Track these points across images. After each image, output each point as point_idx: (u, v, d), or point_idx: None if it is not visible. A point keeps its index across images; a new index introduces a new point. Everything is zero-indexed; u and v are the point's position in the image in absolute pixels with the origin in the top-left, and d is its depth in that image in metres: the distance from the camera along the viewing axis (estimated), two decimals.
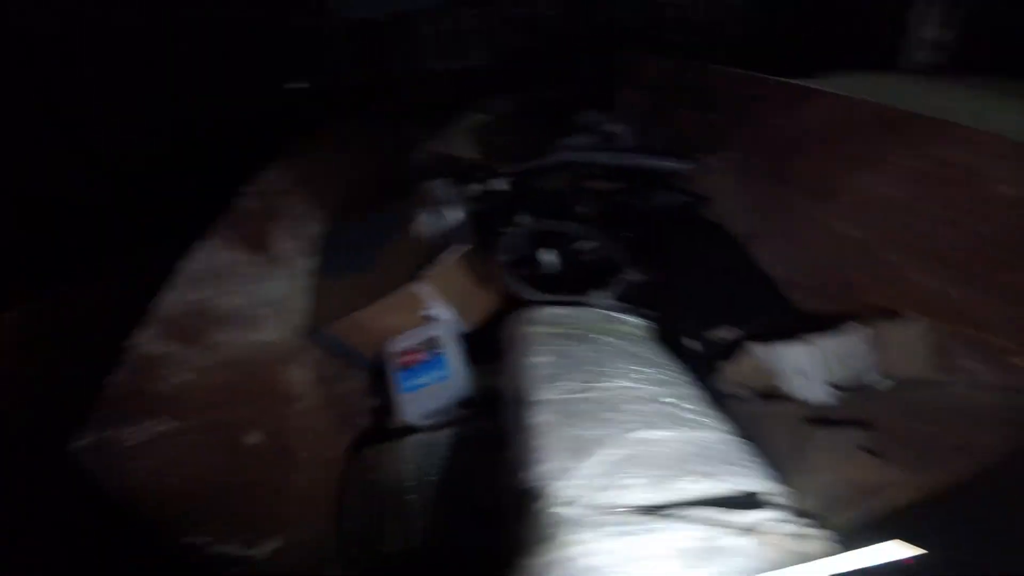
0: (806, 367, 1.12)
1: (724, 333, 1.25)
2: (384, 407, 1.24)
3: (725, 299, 1.30)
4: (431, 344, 1.21)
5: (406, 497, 1.04)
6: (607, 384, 0.90)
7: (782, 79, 1.47)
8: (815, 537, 0.70)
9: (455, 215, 1.30)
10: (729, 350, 1.23)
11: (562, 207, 1.46)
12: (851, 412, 1.08)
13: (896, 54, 1.95)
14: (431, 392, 1.15)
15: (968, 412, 0.96)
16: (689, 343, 1.29)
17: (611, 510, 0.68)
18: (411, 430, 1.14)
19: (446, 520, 1.00)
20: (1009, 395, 0.94)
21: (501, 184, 1.56)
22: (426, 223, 1.31)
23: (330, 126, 1.82)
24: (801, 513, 0.75)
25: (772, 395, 1.19)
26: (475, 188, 1.56)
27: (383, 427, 1.27)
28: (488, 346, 1.16)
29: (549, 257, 1.27)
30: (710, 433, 0.86)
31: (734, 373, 1.20)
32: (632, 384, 0.92)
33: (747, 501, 0.74)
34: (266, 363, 1.13)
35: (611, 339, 1.06)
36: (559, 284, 1.26)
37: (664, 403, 0.89)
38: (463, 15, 2.24)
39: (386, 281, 1.21)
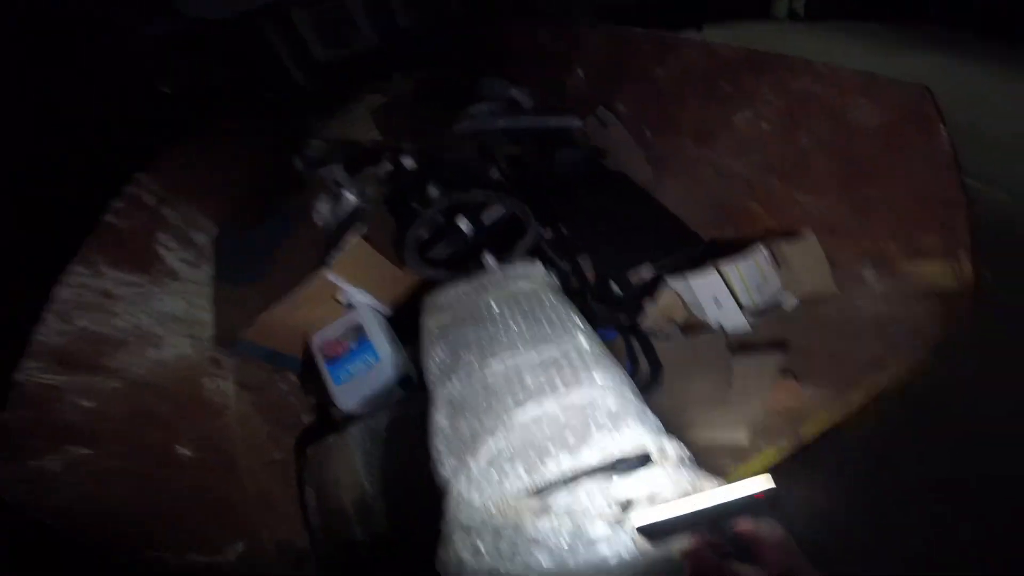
0: (719, 295, 1.19)
1: (643, 274, 1.31)
2: (323, 402, 1.20)
3: (638, 242, 1.35)
4: (354, 332, 1.17)
5: (363, 487, 1.02)
6: (493, 366, 0.91)
7: (653, 32, 1.55)
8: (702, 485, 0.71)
9: (352, 199, 1.26)
10: (649, 289, 1.30)
11: (472, 176, 1.45)
12: (767, 335, 1.17)
13: (764, 5, 2.10)
14: (364, 379, 1.12)
15: (872, 324, 1.06)
16: (611, 287, 1.34)
17: (499, 504, 0.72)
18: (353, 420, 1.11)
19: (403, 503, 0.99)
20: (904, 303, 1.04)
21: (408, 162, 1.52)
22: (322, 212, 1.26)
23: (205, 129, 1.68)
24: (685, 461, 0.76)
25: (693, 327, 1.26)
26: (382, 169, 1.52)
27: (326, 422, 1.24)
28: (416, 323, 1.13)
29: (464, 226, 1.26)
30: (591, 390, 0.83)
31: (656, 311, 1.26)
32: (517, 357, 0.91)
33: (625, 466, 0.75)
34: (179, 380, 1.05)
35: (504, 307, 1.04)
36: (464, 255, 1.25)
37: (548, 367, 0.88)
38: (338, 3, 2.14)
39: (290, 277, 1.15)
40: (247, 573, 0.87)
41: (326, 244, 1.16)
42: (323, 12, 1.99)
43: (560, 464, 0.74)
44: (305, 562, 0.98)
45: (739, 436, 0.94)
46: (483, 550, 0.69)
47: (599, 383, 0.84)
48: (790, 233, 1.22)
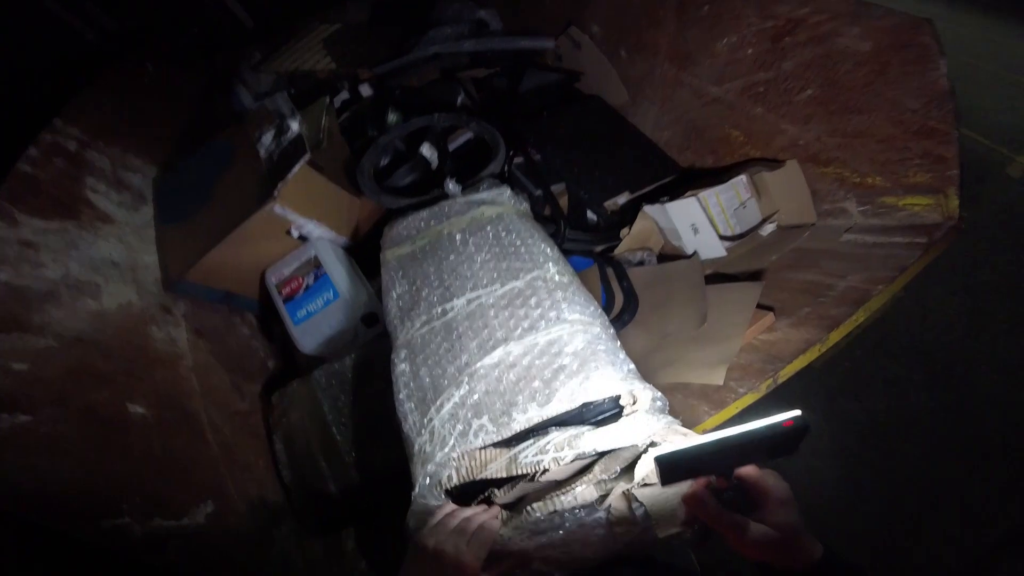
0: (698, 221, 1.14)
1: (618, 199, 1.25)
2: (287, 345, 1.14)
3: (614, 169, 1.27)
4: (310, 266, 1.09)
5: (332, 435, 0.99)
6: (455, 304, 0.84)
7: None
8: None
9: (297, 128, 1.14)
10: (624, 217, 1.24)
11: (435, 101, 1.34)
12: (745, 265, 1.14)
13: None
14: (324, 318, 1.05)
15: (851, 256, 1.03)
16: (586, 215, 1.28)
17: (464, 462, 0.68)
18: (317, 363, 1.06)
19: (374, 451, 0.96)
20: (885, 236, 1.01)
21: (365, 89, 1.41)
22: (265, 143, 1.15)
23: (130, 69, 1.50)
24: (658, 410, 0.73)
25: (670, 255, 1.22)
26: (338, 98, 1.40)
27: (292, 366, 1.19)
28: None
29: (427, 152, 1.17)
30: (559, 328, 0.77)
31: (632, 238, 1.21)
32: (480, 293, 0.85)
33: (594, 415, 0.72)
34: (124, 332, 0.96)
35: (468, 236, 0.96)
36: (426, 182, 1.16)
37: (514, 301, 0.82)
38: None
39: (234, 212, 1.05)
40: (218, 535, 0.84)
41: (270, 176, 1.05)
42: None
43: (528, 415, 0.69)
44: (280, 519, 0.95)
45: (715, 376, 0.92)
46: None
47: (568, 318, 0.78)
48: (772, 161, 1.16)
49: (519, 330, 0.77)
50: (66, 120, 1.10)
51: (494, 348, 0.76)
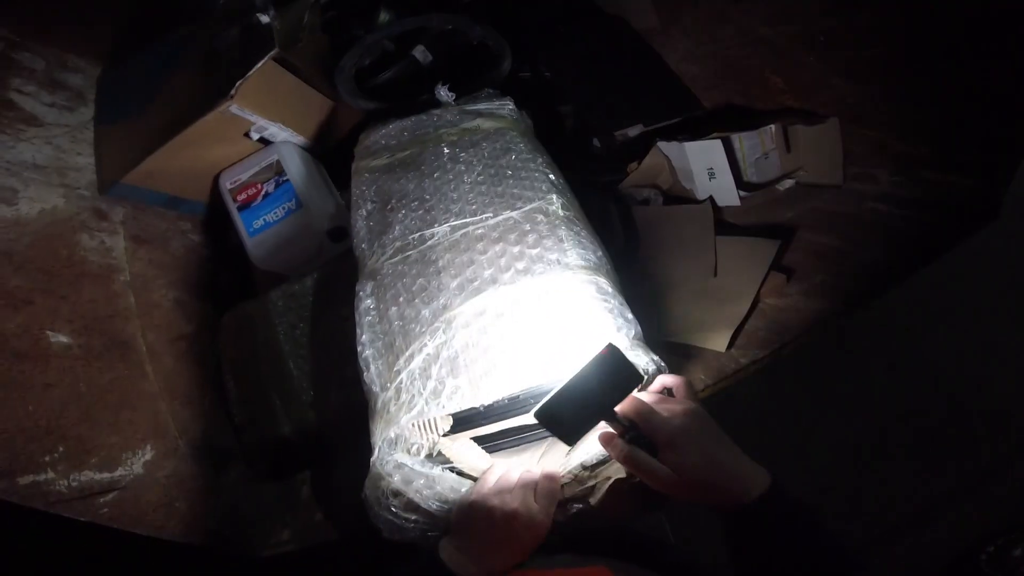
0: (716, 165, 1.03)
1: (629, 131, 1.11)
2: (238, 258, 1.01)
3: (629, 95, 1.14)
4: (270, 171, 0.95)
5: (288, 368, 0.88)
6: (436, 231, 0.71)
7: None
8: None
9: (265, 20, 0.96)
10: (635, 148, 1.11)
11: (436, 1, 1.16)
12: (758, 218, 1.04)
13: None
14: (284, 228, 0.93)
15: (873, 226, 0.95)
16: (593, 143, 1.16)
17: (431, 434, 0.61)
18: (275, 280, 0.94)
19: (333, 390, 0.86)
20: (913, 209, 0.93)
21: None
22: (227, 39, 0.97)
23: None
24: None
25: (679, 196, 1.11)
26: None
27: (247, 282, 1.06)
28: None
29: (419, 55, 1.00)
30: (559, 275, 0.65)
31: (641, 173, 1.09)
32: (468, 220, 0.72)
33: None
34: (46, 240, 0.82)
35: (458, 151, 0.82)
36: (416, 86, 1.00)
37: (507, 236, 0.70)
38: None
39: (185, 110, 0.89)
40: (159, 485, 0.75)
41: (229, 71, 0.88)
42: None
43: (509, 382, 0.58)
44: (228, 462, 0.86)
45: (719, 341, 0.85)
46: (412, 498, 0.58)
47: (571, 263, 0.66)
48: (810, 114, 1.05)
49: (511, 271, 0.65)
50: None
51: (479, 291, 0.63)
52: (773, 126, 1.02)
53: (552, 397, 0.53)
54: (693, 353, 0.85)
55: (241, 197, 0.95)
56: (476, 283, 0.65)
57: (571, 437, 0.54)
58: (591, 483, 0.61)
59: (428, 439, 0.62)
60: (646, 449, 0.52)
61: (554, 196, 0.74)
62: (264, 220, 0.94)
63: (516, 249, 0.67)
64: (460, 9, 1.16)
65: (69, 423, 0.69)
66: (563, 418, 0.53)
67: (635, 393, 0.56)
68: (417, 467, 0.60)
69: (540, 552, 0.56)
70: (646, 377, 0.58)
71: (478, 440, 0.65)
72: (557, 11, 1.26)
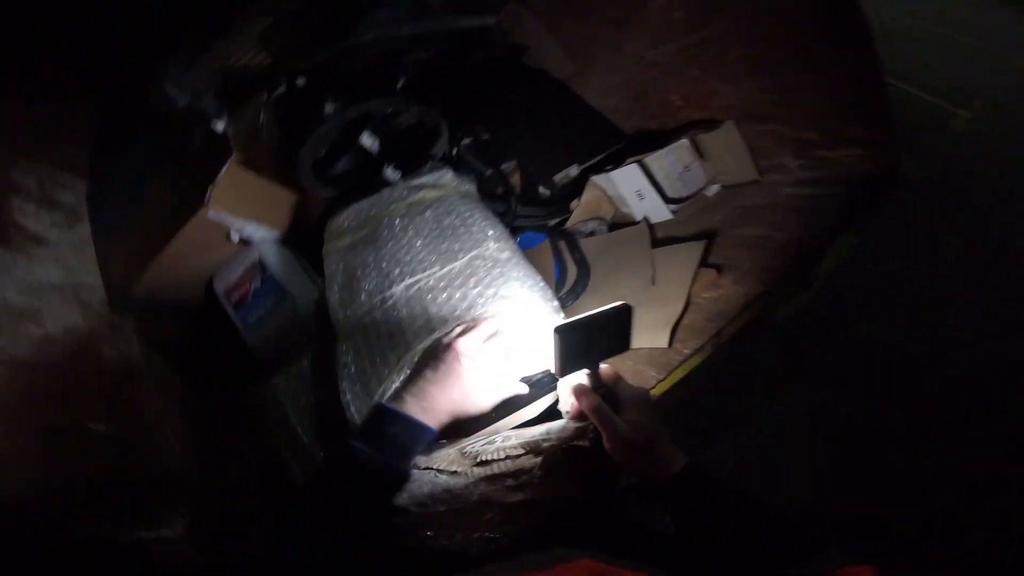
0: (641, 187, 1.15)
1: (570, 171, 1.25)
2: (241, 348, 1.13)
3: (561, 140, 1.27)
4: (255, 269, 1.07)
5: (299, 438, 0.99)
6: (394, 291, 0.83)
7: None
8: None
9: (220, 128, 1.11)
10: (576, 189, 1.25)
11: (375, 87, 1.32)
12: (691, 227, 1.14)
13: None
14: (276, 319, 1.05)
15: (792, 209, 1.04)
16: (538, 190, 1.28)
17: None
18: (276, 367, 1.05)
19: (334, 444, 0.97)
20: (826, 188, 1.03)
21: (301, 80, 1.37)
22: (192, 146, 1.12)
23: (46, 71, 1.41)
24: None
25: (622, 222, 1.23)
26: (274, 92, 1.36)
27: (250, 363, 1.17)
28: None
29: (367, 141, 1.15)
30: (496, 307, 0.78)
31: (583, 208, 1.21)
32: (419, 277, 0.84)
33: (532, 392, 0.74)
34: (74, 355, 0.95)
35: (407, 221, 0.94)
36: (369, 170, 1.14)
37: (454, 283, 0.82)
38: None
39: (169, 221, 1.03)
40: (199, 542, 0.84)
41: (200, 180, 1.03)
42: None
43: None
44: (255, 518, 0.95)
45: (660, 339, 0.93)
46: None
47: (505, 294, 0.79)
48: (710, 122, 1.16)
49: (457, 311, 0.77)
50: None
51: (431, 332, 0.75)
52: (684, 140, 1.14)
53: (575, 321, 0.59)
54: (641, 355, 0.93)
55: (235, 297, 1.08)
56: (431, 325, 0.77)
57: (566, 368, 0.61)
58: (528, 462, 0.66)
59: None
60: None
61: (491, 243, 0.88)
62: (257, 315, 1.06)
63: (459, 292, 0.80)
64: (397, 92, 1.30)
65: (117, 491, 0.80)
66: (570, 345, 0.59)
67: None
68: None
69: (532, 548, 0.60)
70: None
71: None
72: (486, 77, 1.41)
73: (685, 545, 0.54)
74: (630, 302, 1.03)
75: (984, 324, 1.64)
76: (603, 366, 0.63)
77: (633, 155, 1.16)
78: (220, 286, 1.10)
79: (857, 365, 1.64)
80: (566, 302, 1.08)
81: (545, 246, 1.17)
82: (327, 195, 1.10)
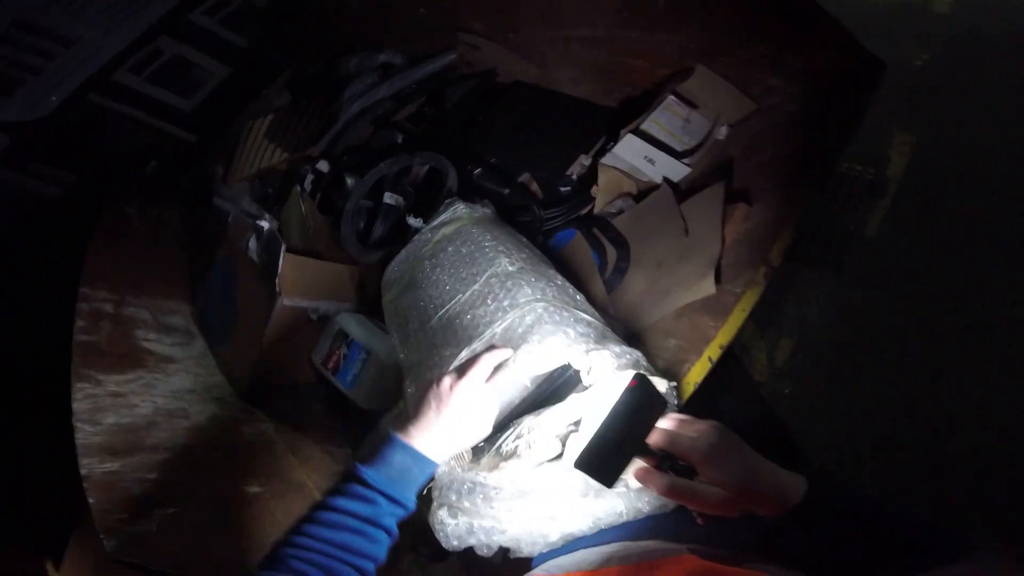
0: (647, 152, 1.20)
1: (582, 162, 1.31)
2: (352, 405, 1.25)
3: (560, 137, 1.34)
4: (341, 339, 1.21)
5: None
6: (432, 324, 0.92)
7: None
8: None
9: (267, 224, 1.27)
10: (591, 176, 1.29)
11: (380, 151, 1.45)
12: (713, 172, 1.18)
13: None
14: (368, 376, 1.16)
15: (796, 123, 1.08)
16: (557, 190, 1.34)
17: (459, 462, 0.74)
18: (381, 411, 1.17)
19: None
20: (816, 95, 1.07)
21: (324, 165, 1.52)
22: (252, 248, 1.29)
23: (111, 218, 1.54)
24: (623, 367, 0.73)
25: (646, 191, 1.27)
26: (308, 180, 1.52)
27: (363, 423, 1.29)
28: None
29: (390, 200, 1.28)
30: (513, 315, 0.83)
31: (603, 191, 1.26)
32: (448, 307, 0.91)
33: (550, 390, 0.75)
34: (220, 437, 1.16)
35: (435, 260, 1.02)
36: (400, 225, 1.27)
37: (476, 304, 0.88)
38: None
39: (259, 319, 1.20)
40: None
41: (267, 275, 1.20)
42: (157, 71, 1.72)
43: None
44: (402, 552, 1.05)
45: (705, 286, 0.95)
46: (457, 506, 0.74)
47: (519, 302, 0.84)
48: (682, 72, 1.20)
49: (480, 327, 0.84)
50: (92, 286, 1.29)
51: (457, 357, 0.82)
52: (668, 96, 1.18)
53: (590, 444, 0.54)
54: (695, 307, 0.96)
55: (331, 365, 1.21)
56: (460, 347, 0.83)
57: (610, 479, 0.56)
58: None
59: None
60: (683, 474, 0.53)
61: (502, 259, 0.95)
62: (352, 376, 1.18)
63: (481, 310, 0.87)
64: (399, 149, 1.43)
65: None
66: (602, 462, 0.55)
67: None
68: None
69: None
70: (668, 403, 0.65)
71: None
72: (471, 107, 1.50)
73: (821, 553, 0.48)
74: (668, 259, 1.09)
75: None
76: (652, 436, 0.57)
77: (625, 127, 1.21)
78: (317, 359, 1.25)
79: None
80: (613, 282, 1.13)
81: (579, 239, 1.22)
82: (375, 259, 1.24)
